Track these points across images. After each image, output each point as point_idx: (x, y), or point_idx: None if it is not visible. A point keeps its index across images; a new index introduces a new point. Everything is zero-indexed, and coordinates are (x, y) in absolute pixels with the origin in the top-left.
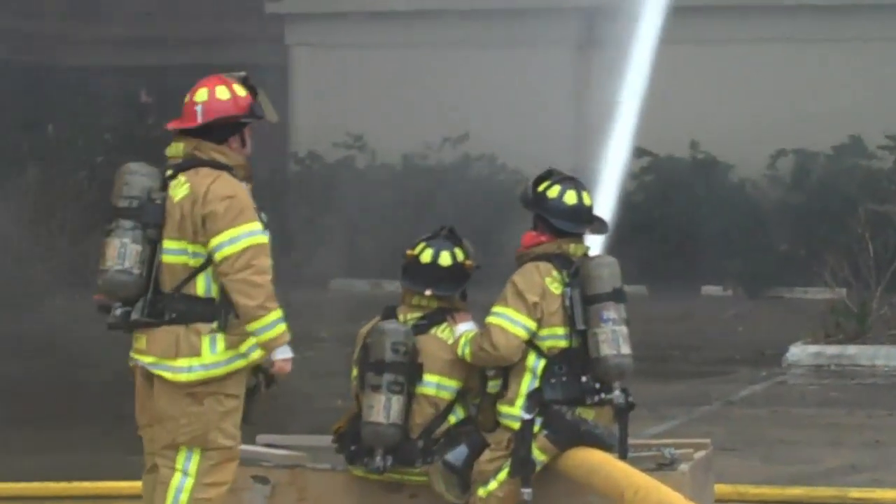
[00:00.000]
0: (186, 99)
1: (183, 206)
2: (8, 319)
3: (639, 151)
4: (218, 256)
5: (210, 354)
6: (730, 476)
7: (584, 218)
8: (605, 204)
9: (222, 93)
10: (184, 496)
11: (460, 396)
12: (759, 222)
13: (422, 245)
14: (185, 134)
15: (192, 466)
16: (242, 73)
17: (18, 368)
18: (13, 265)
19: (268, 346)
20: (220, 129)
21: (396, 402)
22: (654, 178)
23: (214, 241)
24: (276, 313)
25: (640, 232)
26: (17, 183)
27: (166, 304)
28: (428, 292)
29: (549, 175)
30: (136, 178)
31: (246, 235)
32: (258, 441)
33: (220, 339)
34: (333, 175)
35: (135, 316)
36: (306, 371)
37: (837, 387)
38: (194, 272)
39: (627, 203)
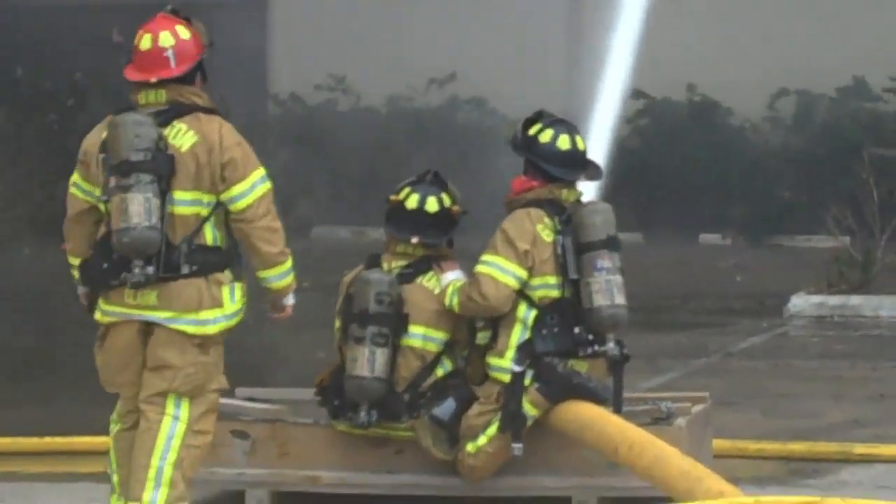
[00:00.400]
0: (147, 45)
1: (197, 155)
2: None
3: (634, 94)
4: (241, 205)
5: (230, 304)
6: (729, 431)
7: (578, 163)
8: (598, 148)
9: (183, 32)
10: (176, 441)
11: (448, 348)
12: (760, 168)
13: (407, 190)
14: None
15: (184, 412)
16: (169, 7)
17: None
18: None
19: (284, 292)
20: (192, 70)
21: (381, 354)
22: (649, 122)
23: (236, 190)
24: (291, 259)
25: (636, 178)
26: None
27: (182, 257)
28: (414, 240)
29: (540, 117)
30: (146, 129)
31: (260, 182)
32: (237, 394)
33: (238, 288)
34: (315, 118)
35: (150, 271)
36: (287, 322)
37: (840, 338)
38: (203, 221)
39: (622, 148)
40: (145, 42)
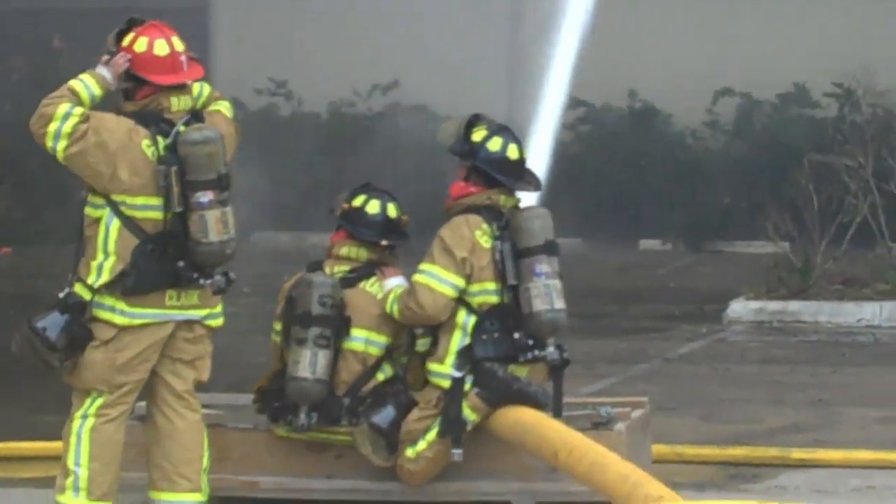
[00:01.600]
0: (164, 52)
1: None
2: None
3: (574, 101)
4: None
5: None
6: (668, 436)
7: (522, 172)
8: (539, 154)
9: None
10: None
11: (388, 353)
12: (700, 174)
13: (363, 197)
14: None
15: (198, 403)
16: (134, 17)
17: None
18: None
19: None
20: None
21: (323, 356)
22: (590, 129)
23: None
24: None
25: (577, 183)
26: None
27: None
28: (384, 242)
29: (478, 121)
30: None
31: None
32: None
33: None
34: (256, 123)
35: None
36: (227, 327)
37: (780, 344)
38: None
39: (563, 154)
40: (165, 47)
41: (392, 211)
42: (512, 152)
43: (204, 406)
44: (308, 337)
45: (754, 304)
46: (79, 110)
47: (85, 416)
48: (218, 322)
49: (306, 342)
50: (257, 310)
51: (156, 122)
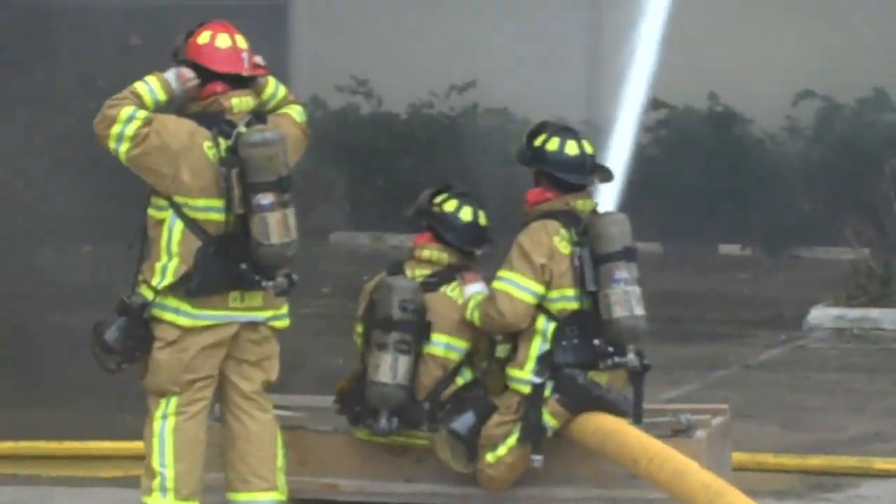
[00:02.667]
0: (226, 44)
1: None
2: None
3: (655, 103)
4: None
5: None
6: (748, 444)
7: (589, 168)
8: (618, 157)
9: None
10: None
11: (468, 358)
12: (780, 179)
13: (455, 202)
14: (235, 83)
15: (269, 404)
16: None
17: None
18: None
19: None
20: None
21: (404, 362)
22: (670, 132)
23: None
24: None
25: (655, 188)
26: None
27: None
28: (479, 251)
29: (544, 127)
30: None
31: None
32: None
33: None
34: (336, 122)
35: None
36: (307, 328)
37: (860, 351)
38: None
39: (642, 157)
40: (224, 41)
41: (483, 219)
42: (571, 149)
43: (284, 408)
44: (389, 342)
45: (834, 311)
46: (142, 114)
47: (165, 417)
48: (283, 323)
49: (387, 347)
50: (338, 310)
51: (217, 123)
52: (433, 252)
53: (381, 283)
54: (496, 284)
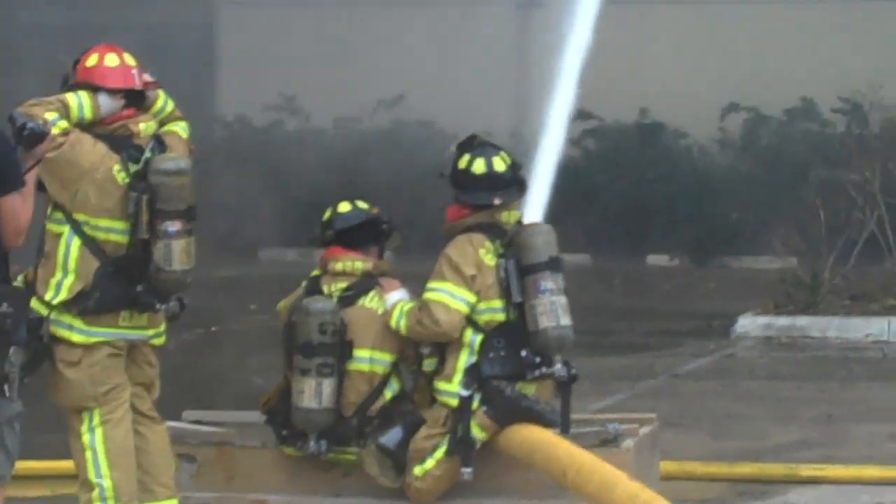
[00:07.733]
0: (115, 62)
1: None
2: None
3: (583, 115)
4: None
5: None
6: (676, 453)
7: (497, 184)
8: (546, 170)
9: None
10: None
11: (395, 368)
12: (708, 189)
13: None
14: (129, 100)
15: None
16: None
17: None
18: None
19: None
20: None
21: (328, 385)
22: (598, 143)
23: None
24: None
25: (584, 199)
26: None
27: None
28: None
29: (463, 145)
30: None
31: None
32: (185, 417)
33: None
34: (264, 139)
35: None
36: (234, 345)
37: (788, 359)
38: None
39: (570, 169)
40: (112, 59)
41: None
42: (477, 167)
43: (211, 424)
44: (311, 367)
45: (762, 320)
46: (63, 124)
47: (92, 429)
48: (161, 340)
49: (310, 372)
50: (265, 328)
51: (126, 147)
52: (346, 263)
53: (298, 306)
54: (430, 295)
